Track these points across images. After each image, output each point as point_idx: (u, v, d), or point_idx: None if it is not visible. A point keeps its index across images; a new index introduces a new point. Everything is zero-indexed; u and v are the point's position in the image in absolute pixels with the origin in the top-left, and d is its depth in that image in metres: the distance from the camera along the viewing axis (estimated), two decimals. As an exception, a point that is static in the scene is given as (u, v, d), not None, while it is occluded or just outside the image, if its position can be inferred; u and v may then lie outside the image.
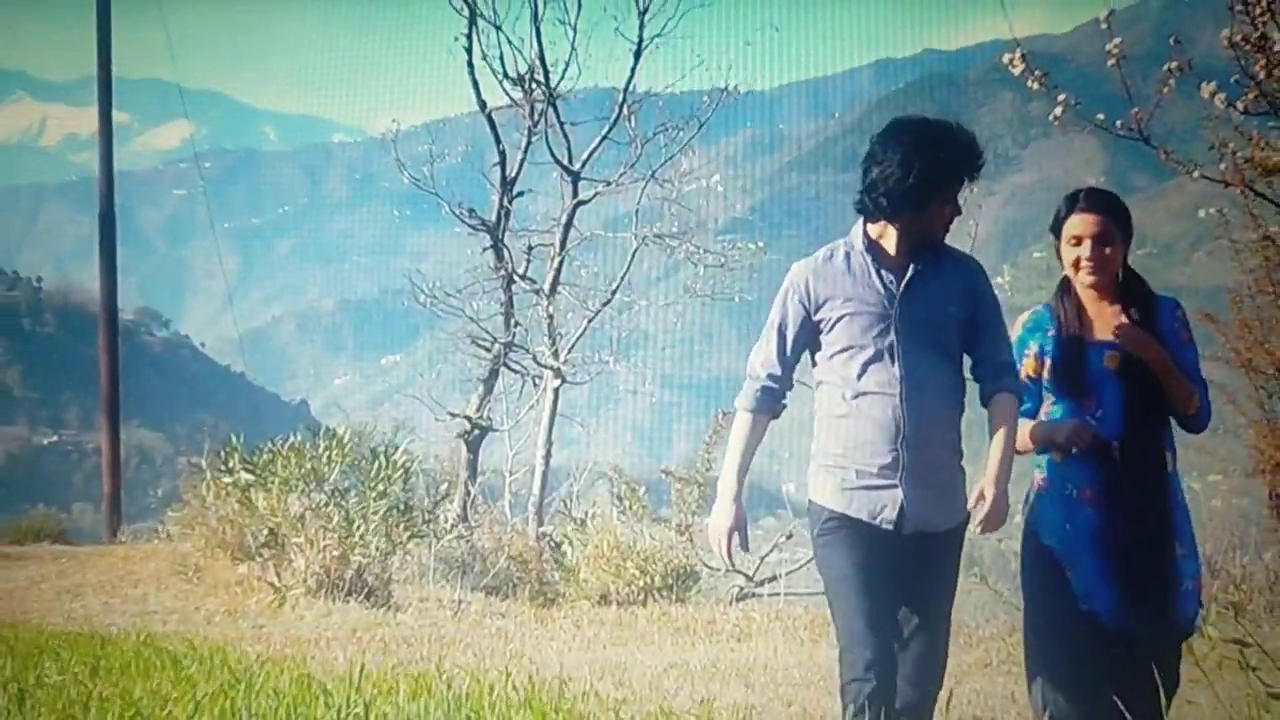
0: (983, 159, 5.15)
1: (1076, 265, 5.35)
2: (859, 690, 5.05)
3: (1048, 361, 5.43)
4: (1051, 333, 5.43)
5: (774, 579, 14.29)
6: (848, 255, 5.21)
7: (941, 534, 5.14)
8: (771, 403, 5.27)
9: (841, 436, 5.15)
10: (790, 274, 5.27)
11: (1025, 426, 5.41)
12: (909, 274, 5.12)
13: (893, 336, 5.08)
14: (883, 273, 5.14)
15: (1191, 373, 5.39)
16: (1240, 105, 10.92)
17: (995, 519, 5.20)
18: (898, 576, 5.13)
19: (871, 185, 5.08)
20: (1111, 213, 5.35)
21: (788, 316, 5.22)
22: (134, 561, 15.01)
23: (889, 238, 5.15)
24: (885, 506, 5.07)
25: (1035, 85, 11.29)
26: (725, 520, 5.16)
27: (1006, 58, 11.29)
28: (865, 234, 5.20)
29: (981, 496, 5.13)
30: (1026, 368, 5.46)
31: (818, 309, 5.18)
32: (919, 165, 5.00)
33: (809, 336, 5.21)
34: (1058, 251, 5.47)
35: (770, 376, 5.23)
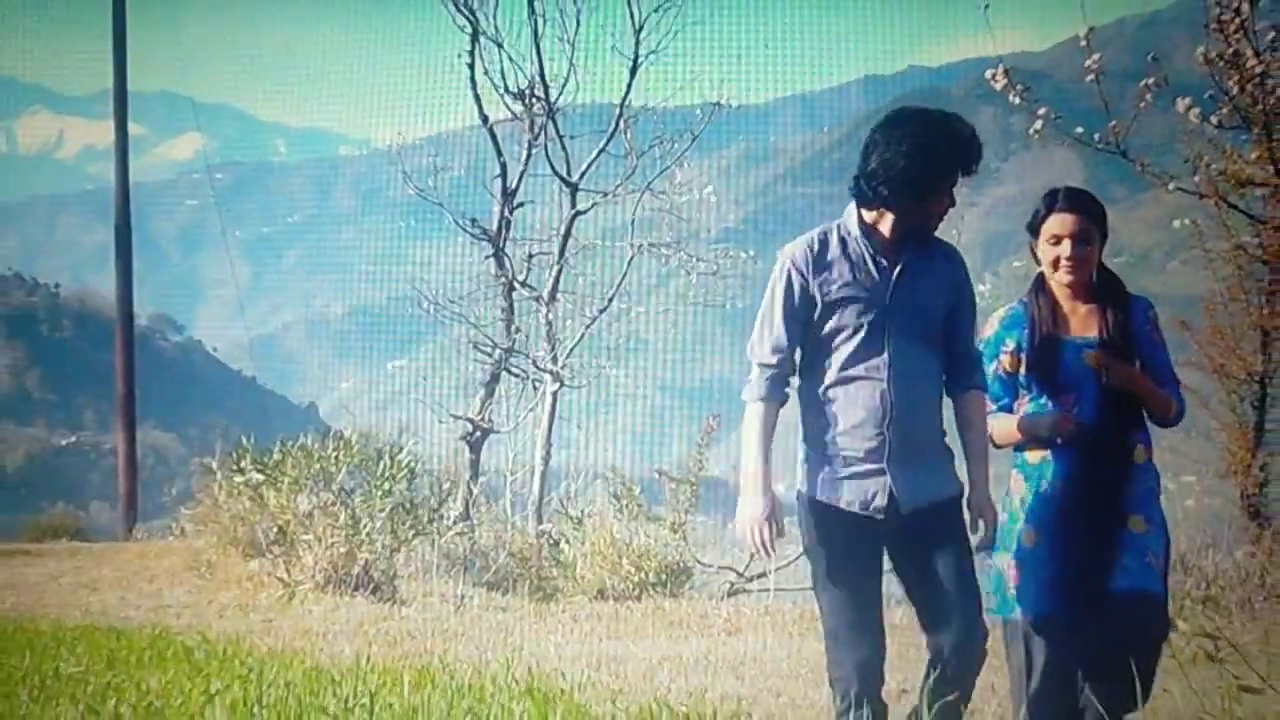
0: (982, 152, 5.05)
1: (1055, 264, 5.32)
2: (845, 688, 5.02)
3: (1024, 358, 5.42)
4: (1027, 329, 5.42)
5: (763, 575, 14.27)
6: (843, 240, 5.09)
7: (942, 503, 5.06)
8: (781, 389, 5.10)
9: (828, 422, 5.06)
10: (787, 256, 5.12)
11: (1009, 420, 5.40)
12: (904, 261, 5.04)
13: (884, 322, 4.99)
14: (878, 259, 5.05)
15: (1164, 371, 5.39)
16: (1214, 120, 10.98)
17: (989, 534, 5.20)
18: (906, 555, 5.06)
19: (873, 173, 4.96)
20: (1090, 212, 5.33)
21: (792, 296, 5.06)
22: (149, 558, 15.00)
23: (885, 224, 5.04)
24: (875, 494, 5.00)
25: (1017, 100, 11.33)
26: (759, 508, 4.96)
27: (989, 74, 11.33)
28: (860, 219, 5.10)
29: (980, 516, 5.13)
30: (1004, 363, 5.44)
31: (814, 290, 5.04)
32: (924, 155, 4.91)
33: (808, 317, 5.05)
34: (1033, 250, 5.44)
35: (780, 361, 5.06)
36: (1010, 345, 5.43)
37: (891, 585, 5.27)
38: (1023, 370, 5.42)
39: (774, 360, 5.07)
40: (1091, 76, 11.11)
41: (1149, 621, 5.23)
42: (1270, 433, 11.31)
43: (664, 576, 12.78)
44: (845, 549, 5.06)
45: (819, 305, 5.03)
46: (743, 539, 5.03)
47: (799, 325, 5.06)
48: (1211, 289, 11.60)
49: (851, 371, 5.02)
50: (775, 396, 5.09)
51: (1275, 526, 10.92)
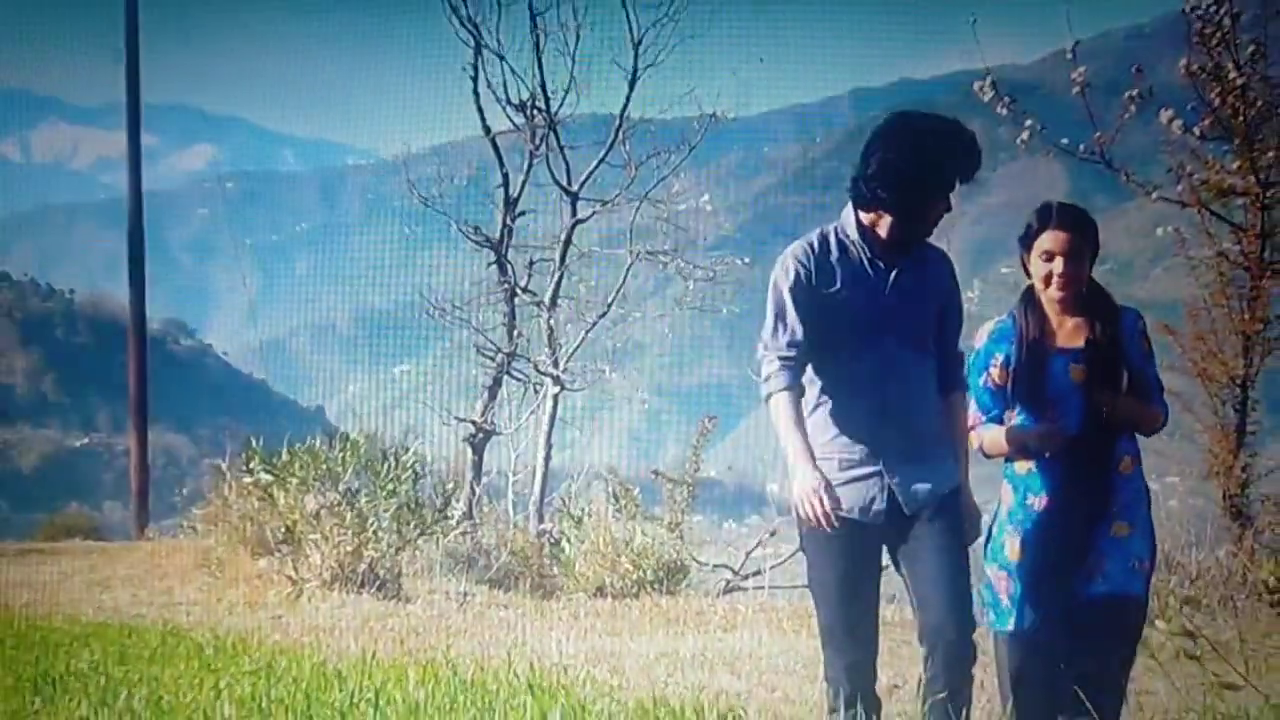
0: (981, 159, 5.00)
1: (1047, 280, 5.22)
2: (837, 689, 5.01)
3: (1011, 371, 5.36)
4: (1015, 344, 5.36)
5: (758, 573, 14.27)
6: (841, 242, 5.04)
7: (943, 495, 5.03)
8: (800, 378, 4.99)
9: (824, 424, 5.02)
10: (789, 254, 5.05)
11: (998, 432, 5.35)
12: (900, 264, 5.00)
13: (880, 324, 4.95)
14: (875, 261, 5.00)
15: (1151, 383, 5.34)
16: (1197, 131, 11.00)
17: (974, 531, 5.19)
18: (904, 545, 5.02)
19: (872, 175, 4.92)
20: (1083, 229, 5.24)
21: (800, 289, 4.98)
22: (160, 556, 14.97)
23: (883, 226, 4.99)
24: (874, 498, 4.97)
25: (1004, 112, 11.34)
26: (812, 482, 4.81)
27: (977, 86, 11.34)
28: (858, 221, 5.04)
29: (963, 515, 5.11)
30: (993, 376, 5.35)
31: (815, 287, 4.98)
32: (924, 159, 4.86)
33: (813, 311, 4.97)
34: (1023, 263, 5.34)
35: (797, 354, 4.96)
36: (999, 358, 5.34)
37: (885, 583, 5.24)
38: (1010, 384, 5.36)
39: (791, 353, 4.98)
40: (1077, 88, 11.12)
41: (1130, 622, 5.21)
42: (1251, 435, 11.31)
43: (661, 574, 12.79)
44: (842, 554, 5.02)
45: (817, 308, 4.98)
46: (803, 512, 4.86)
47: (809, 317, 4.98)
48: (1194, 295, 11.60)
49: (849, 373, 4.99)
50: (796, 385, 4.99)
51: (1257, 526, 10.93)
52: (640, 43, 16.47)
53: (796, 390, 4.99)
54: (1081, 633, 5.12)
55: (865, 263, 5.01)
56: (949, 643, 4.93)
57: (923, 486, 5.00)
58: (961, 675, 4.97)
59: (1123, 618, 5.17)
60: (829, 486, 4.86)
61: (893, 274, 4.99)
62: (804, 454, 4.89)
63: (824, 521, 4.84)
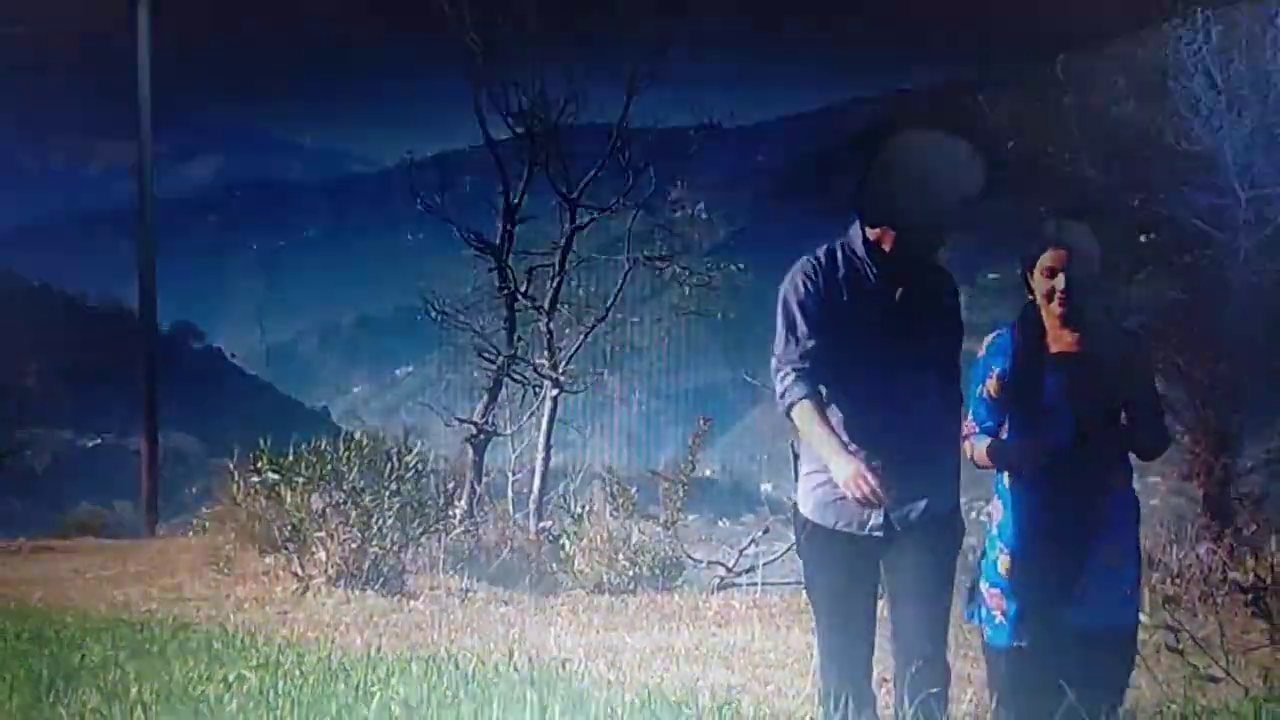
0: (983, 175, 4.92)
1: (1049, 296, 5.16)
2: (831, 684, 5.01)
3: (1006, 384, 5.30)
4: (1010, 358, 5.31)
5: (752, 569, 14.29)
6: (848, 258, 4.99)
7: (940, 515, 5.00)
8: (817, 386, 4.90)
9: None
10: (796, 270, 5.00)
11: (984, 444, 5.30)
12: (906, 280, 4.95)
13: (886, 339, 4.90)
14: (880, 277, 4.95)
15: (1152, 406, 5.28)
16: (1181, 139, 11.02)
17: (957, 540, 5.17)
18: (893, 563, 4.99)
19: (877, 194, 4.90)
20: (1085, 246, 5.17)
21: (809, 301, 4.92)
22: (170, 553, 14.96)
23: (888, 242, 4.93)
24: (870, 514, 4.92)
25: (992, 122, 11.37)
26: (853, 466, 4.72)
27: (966, 97, 11.36)
28: (864, 237, 4.99)
29: None
30: (989, 388, 5.28)
31: (823, 306, 4.93)
32: (930, 178, 4.80)
33: (818, 329, 4.91)
34: (1025, 279, 5.28)
35: (812, 365, 4.88)
36: (995, 371, 5.29)
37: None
38: (1004, 395, 5.30)
39: (805, 364, 4.90)
40: (1064, 97, 11.16)
41: (1121, 652, 5.19)
42: (1231, 436, 11.34)
43: (657, 571, 12.83)
44: (839, 565, 4.99)
45: (825, 319, 4.93)
46: (854, 493, 4.74)
47: (817, 331, 4.91)
48: (1177, 299, 11.63)
49: (852, 388, 4.95)
50: (815, 393, 4.90)
51: (1236, 524, 10.95)
52: (639, 53, 16.48)
53: (816, 397, 4.91)
54: (1077, 659, 5.08)
55: (871, 279, 4.96)
56: (920, 653, 4.93)
57: (918, 505, 4.97)
58: (938, 684, 4.95)
59: (1118, 646, 5.15)
60: (872, 468, 4.78)
61: (898, 291, 4.95)
62: (838, 446, 4.82)
63: (875, 498, 4.76)
